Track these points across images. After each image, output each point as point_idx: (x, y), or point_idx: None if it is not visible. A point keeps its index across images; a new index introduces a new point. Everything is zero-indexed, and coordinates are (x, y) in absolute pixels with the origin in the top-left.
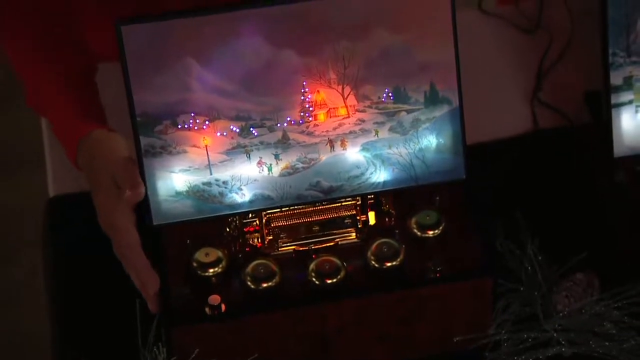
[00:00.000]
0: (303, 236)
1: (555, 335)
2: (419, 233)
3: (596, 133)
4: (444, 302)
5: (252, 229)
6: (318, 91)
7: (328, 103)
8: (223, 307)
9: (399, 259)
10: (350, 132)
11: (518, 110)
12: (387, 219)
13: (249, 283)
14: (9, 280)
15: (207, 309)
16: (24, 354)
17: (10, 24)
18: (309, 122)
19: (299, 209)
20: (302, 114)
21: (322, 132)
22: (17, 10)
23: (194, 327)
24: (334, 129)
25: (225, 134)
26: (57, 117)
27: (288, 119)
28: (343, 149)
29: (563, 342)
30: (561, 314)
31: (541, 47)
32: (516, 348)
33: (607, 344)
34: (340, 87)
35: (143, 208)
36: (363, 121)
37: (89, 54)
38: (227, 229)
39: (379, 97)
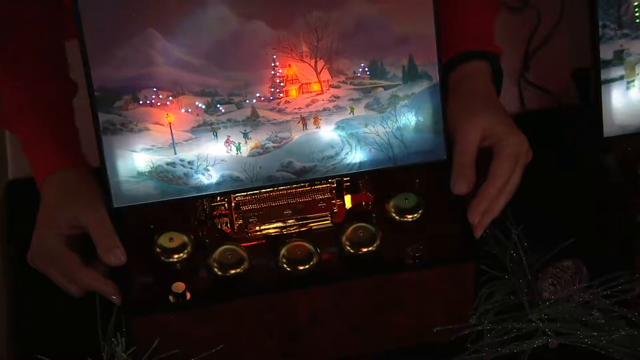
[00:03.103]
0: (274, 220)
1: (541, 325)
2: (397, 217)
3: (585, 112)
4: (423, 290)
5: (219, 213)
6: (289, 65)
7: (300, 78)
8: (188, 295)
9: (375, 245)
10: (324, 109)
11: (504, 91)
12: (363, 203)
13: (215, 270)
14: None
15: (170, 297)
16: None
17: None
18: (280, 99)
19: (270, 191)
20: (272, 89)
21: (294, 109)
22: None
23: (156, 316)
24: (307, 105)
25: (190, 110)
26: (29, 140)
27: (257, 94)
28: (316, 127)
29: (549, 333)
30: (547, 303)
31: (529, 26)
32: (499, 339)
33: (595, 334)
34: (313, 60)
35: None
36: (337, 97)
37: (67, 81)
38: (195, 213)
39: (355, 72)
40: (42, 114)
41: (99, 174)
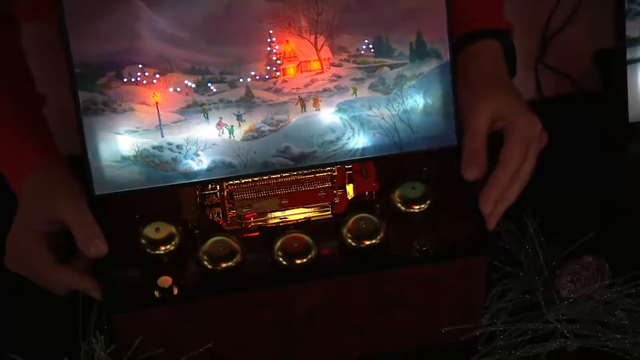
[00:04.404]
0: (270, 211)
1: (558, 326)
2: (403, 208)
3: (608, 97)
4: (430, 287)
5: (211, 202)
6: (287, 41)
7: (298, 55)
8: (175, 290)
9: (379, 237)
10: (325, 90)
11: (520, 76)
12: (366, 192)
13: (205, 263)
14: None
15: (156, 292)
16: None
17: None
18: (277, 78)
19: (266, 179)
20: (268, 67)
21: (292, 89)
22: None
23: (140, 313)
24: (306, 85)
25: (179, 89)
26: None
27: (252, 73)
28: (316, 110)
29: (567, 335)
30: (565, 302)
31: (548, 6)
32: (513, 341)
33: (618, 336)
34: (312, 36)
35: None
36: (339, 77)
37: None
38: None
39: (358, 49)
40: (12, 115)
41: (79, 161)
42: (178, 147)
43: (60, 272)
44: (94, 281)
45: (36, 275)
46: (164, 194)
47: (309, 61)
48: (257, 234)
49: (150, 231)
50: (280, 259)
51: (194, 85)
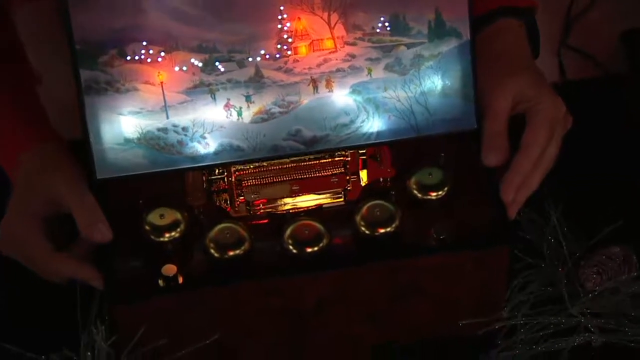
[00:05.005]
0: (279, 197)
1: (582, 320)
2: (419, 194)
3: (635, 80)
4: (448, 277)
5: (218, 188)
6: (299, 18)
7: (311, 33)
8: (180, 278)
9: (394, 225)
10: (338, 70)
11: (543, 59)
12: (381, 178)
13: (212, 251)
14: None
15: (160, 281)
16: None
17: None
18: (288, 57)
19: (275, 164)
20: (279, 46)
21: (304, 69)
22: None
23: (143, 302)
24: (318, 65)
25: (185, 68)
26: None
27: (262, 52)
28: (329, 91)
29: (592, 329)
30: (590, 295)
31: None
32: (535, 335)
33: None
34: (325, 13)
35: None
36: (353, 57)
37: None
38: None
39: (373, 28)
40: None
41: (78, 146)
42: (184, 129)
43: (58, 261)
44: (95, 269)
45: (32, 263)
46: (169, 178)
47: (321, 40)
48: (266, 221)
49: (154, 217)
50: (291, 247)
51: (200, 64)
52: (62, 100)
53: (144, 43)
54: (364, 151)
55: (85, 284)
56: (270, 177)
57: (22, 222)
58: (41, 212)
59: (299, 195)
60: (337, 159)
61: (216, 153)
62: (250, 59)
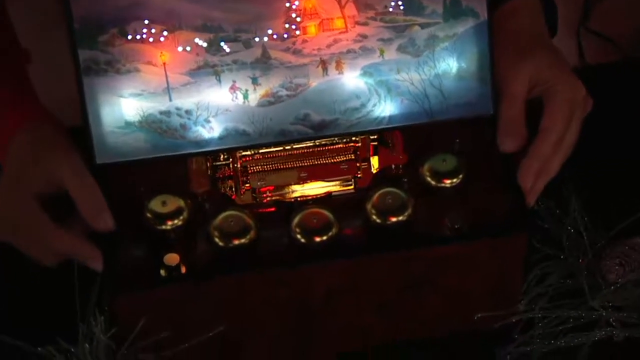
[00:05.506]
0: (287, 184)
1: (604, 314)
2: (432, 182)
3: None
4: (462, 267)
5: (223, 174)
6: None
7: (320, 12)
8: (183, 268)
9: (406, 214)
10: (348, 51)
11: (561, 43)
12: (393, 165)
13: (216, 239)
14: None
15: (162, 271)
16: None
17: None
18: (296, 37)
19: (283, 150)
20: (287, 25)
21: (313, 50)
22: None
23: (145, 293)
24: (328, 46)
25: (188, 49)
26: None
27: (269, 31)
28: (339, 73)
29: (614, 323)
30: (612, 288)
31: None
32: (553, 329)
33: None
34: None
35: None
36: (365, 37)
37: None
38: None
39: (386, 7)
40: None
41: (77, 131)
42: (187, 112)
43: (57, 235)
44: (95, 248)
45: (28, 240)
46: (172, 164)
47: (331, 19)
48: (273, 209)
49: (156, 205)
50: (298, 236)
51: (205, 45)
52: (54, 85)
53: (146, 22)
54: (375, 136)
55: (83, 265)
56: (277, 163)
57: (17, 197)
58: (36, 188)
59: (307, 183)
60: (347, 144)
61: (221, 138)
62: (257, 39)
